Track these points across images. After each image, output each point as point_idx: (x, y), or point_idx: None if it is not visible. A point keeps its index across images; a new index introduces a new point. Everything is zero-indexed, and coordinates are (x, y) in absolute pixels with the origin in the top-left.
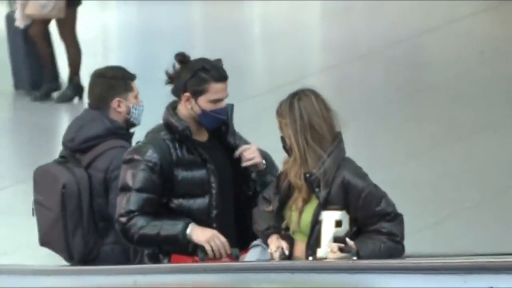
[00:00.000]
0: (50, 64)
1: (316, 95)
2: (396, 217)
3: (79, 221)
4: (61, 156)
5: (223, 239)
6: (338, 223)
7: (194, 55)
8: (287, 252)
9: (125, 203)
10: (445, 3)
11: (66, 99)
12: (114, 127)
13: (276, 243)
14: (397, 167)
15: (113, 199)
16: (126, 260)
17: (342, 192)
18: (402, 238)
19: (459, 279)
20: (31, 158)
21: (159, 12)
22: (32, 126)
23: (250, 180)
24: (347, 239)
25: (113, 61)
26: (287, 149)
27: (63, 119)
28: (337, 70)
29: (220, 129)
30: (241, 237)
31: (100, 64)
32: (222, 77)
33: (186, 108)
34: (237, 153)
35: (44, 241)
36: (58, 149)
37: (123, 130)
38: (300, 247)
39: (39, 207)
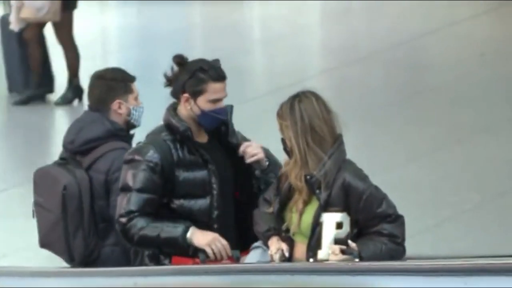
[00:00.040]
0: (39, 69)
1: (317, 97)
2: (397, 219)
3: (79, 222)
4: (61, 158)
5: (224, 242)
6: (339, 225)
7: (193, 57)
8: (287, 254)
9: (125, 203)
10: (445, 5)
11: (66, 101)
12: (114, 129)
13: (276, 245)
14: (397, 169)
15: (114, 201)
16: (127, 262)
17: (342, 194)
18: (403, 239)
19: (459, 281)
20: (31, 160)
21: (159, 14)
22: (31, 128)
23: (254, 178)
24: (350, 241)
25: (113, 63)
26: (288, 151)
27: (63, 121)
28: (337, 72)
29: (219, 129)
30: (241, 238)
31: (100, 66)
32: (220, 77)
33: (186, 109)
34: (240, 149)
35: (44, 243)
36: (58, 151)
37: (124, 132)
38: (300, 249)
39: (39, 209)
